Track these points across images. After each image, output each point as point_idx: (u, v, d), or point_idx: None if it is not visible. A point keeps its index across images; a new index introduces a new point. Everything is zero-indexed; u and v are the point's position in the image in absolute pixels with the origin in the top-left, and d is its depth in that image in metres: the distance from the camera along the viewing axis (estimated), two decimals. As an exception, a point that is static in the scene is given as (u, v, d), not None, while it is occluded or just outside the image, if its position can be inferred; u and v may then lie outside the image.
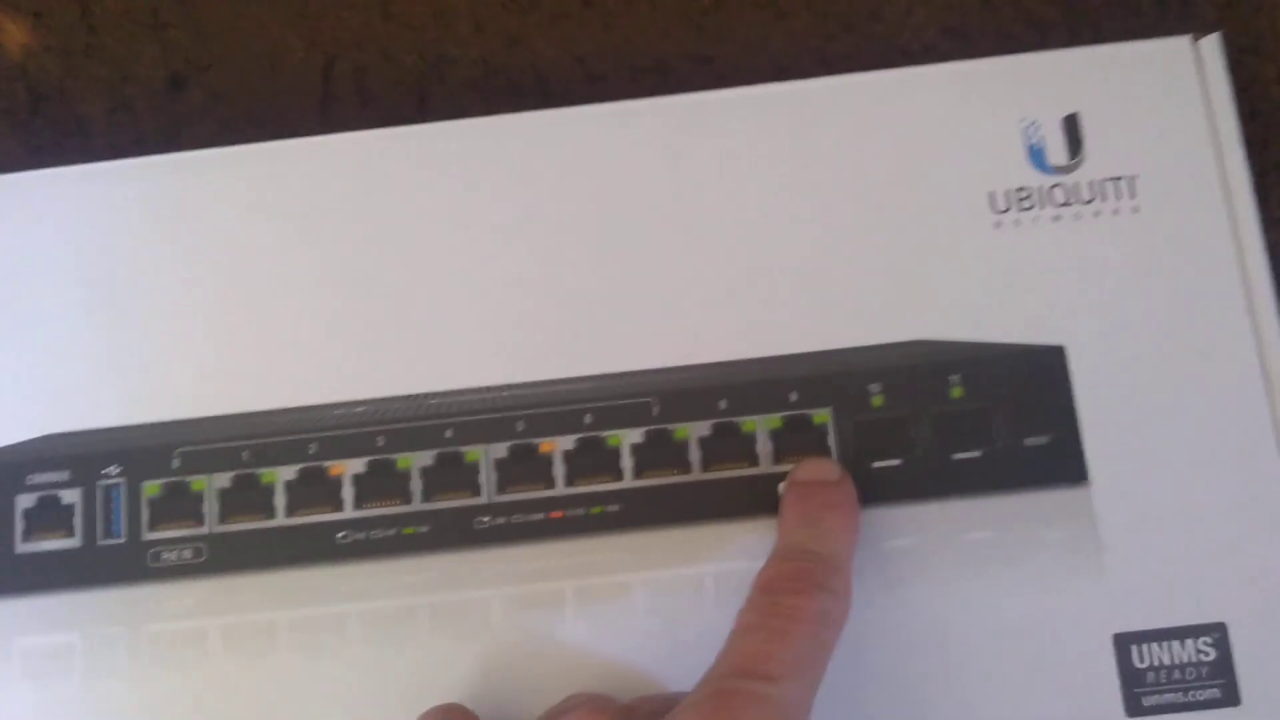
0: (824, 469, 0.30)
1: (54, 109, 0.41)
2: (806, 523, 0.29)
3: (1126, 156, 0.32)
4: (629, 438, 0.31)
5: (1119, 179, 0.32)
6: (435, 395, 0.31)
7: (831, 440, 0.31)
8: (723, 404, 0.31)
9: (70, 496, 0.31)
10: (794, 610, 0.26)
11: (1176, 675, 0.29)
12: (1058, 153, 0.32)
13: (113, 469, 0.31)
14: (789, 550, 0.28)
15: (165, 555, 0.31)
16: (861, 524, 0.30)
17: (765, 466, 0.31)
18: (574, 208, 0.32)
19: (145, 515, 0.31)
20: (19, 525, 0.31)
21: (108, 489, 0.31)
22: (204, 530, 0.31)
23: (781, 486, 0.30)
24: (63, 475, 0.31)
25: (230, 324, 0.32)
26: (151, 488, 0.31)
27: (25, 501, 0.31)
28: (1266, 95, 0.40)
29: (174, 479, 0.31)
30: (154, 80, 0.42)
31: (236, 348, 0.32)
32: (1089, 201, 0.32)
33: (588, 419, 0.31)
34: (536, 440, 0.31)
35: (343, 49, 0.41)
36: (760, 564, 0.30)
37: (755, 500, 0.30)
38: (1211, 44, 0.32)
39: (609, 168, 0.33)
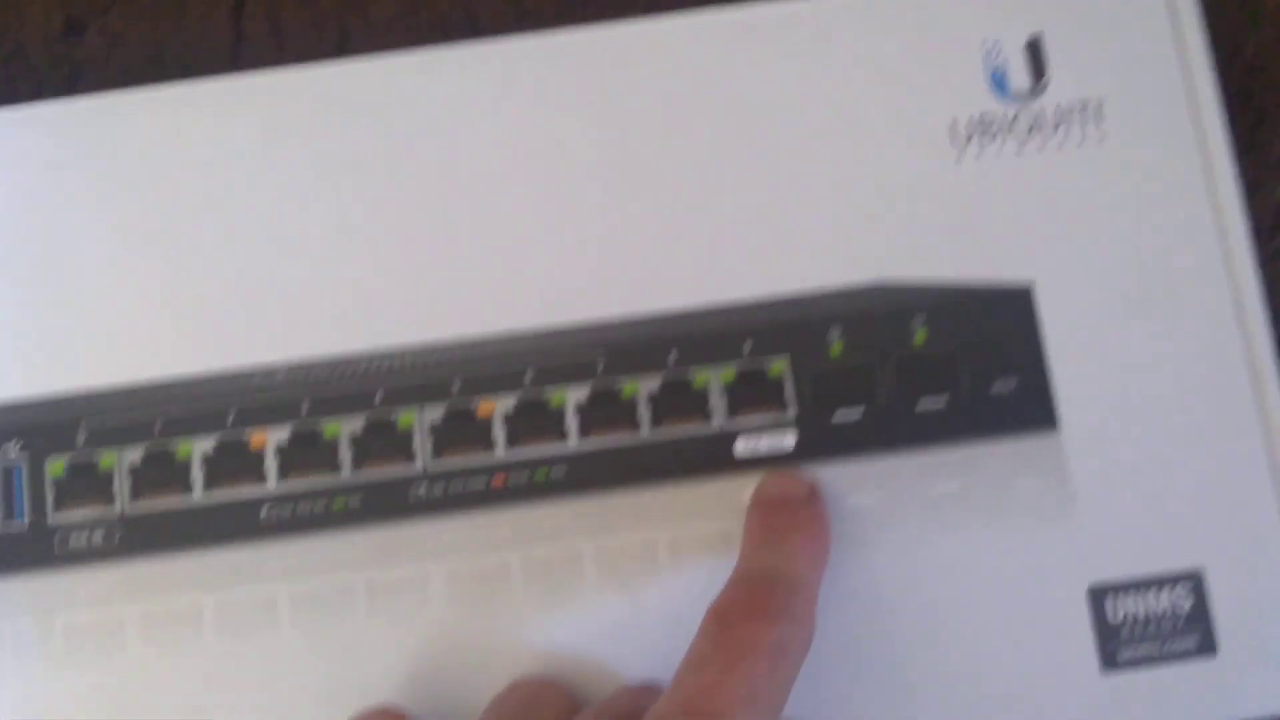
0: (790, 485, 0.28)
1: (-60, 57, 0.38)
2: (769, 545, 0.27)
3: (1092, 81, 0.30)
4: (573, 396, 0.29)
5: (1085, 106, 0.30)
6: (363, 356, 0.29)
7: (789, 392, 0.29)
8: (672, 357, 0.29)
9: (-35, 478, 0.28)
10: (749, 640, 0.24)
11: (1152, 627, 0.28)
12: (1020, 77, 0.30)
13: (12, 446, 0.29)
14: (748, 573, 0.26)
15: (74, 539, 0.28)
16: (830, 547, 0.28)
17: (719, 423, 0.29)
18: (506, 149, 0.30)
19: (50, 496, 0.29)
20: (-90, 512, 0.28)
21: (7, 468, 0.29)
22: (115, 510, 0.28)
23: (740, 444, 0.29)
24: (-44, 456, 0.28)
25: (138, 285, 0.30)
26: (56, 466, 0.29)
27: (-84, 485, 0.28)
28: (1230, 19, 0.38)
29: (80, 455, 0.29)
30: (49, 24, 0.39)
31: (145, 311, 0.29)
32: (1054, 130, 0.30)
33: (528, 377, 0.29)
34: (474, 401, 0.29)
35: (254, -15, 0.38)
36: (716, 525, 0.28)
37: (709, 459, 0.29)
38: (1179, -40, 0.31)
39: (543, 105, 0.30)
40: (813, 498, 0.28)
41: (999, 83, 0.30)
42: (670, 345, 0.29)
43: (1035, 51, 0.30)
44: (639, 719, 0.24)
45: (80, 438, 0.29)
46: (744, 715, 0.23)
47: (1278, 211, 0.38)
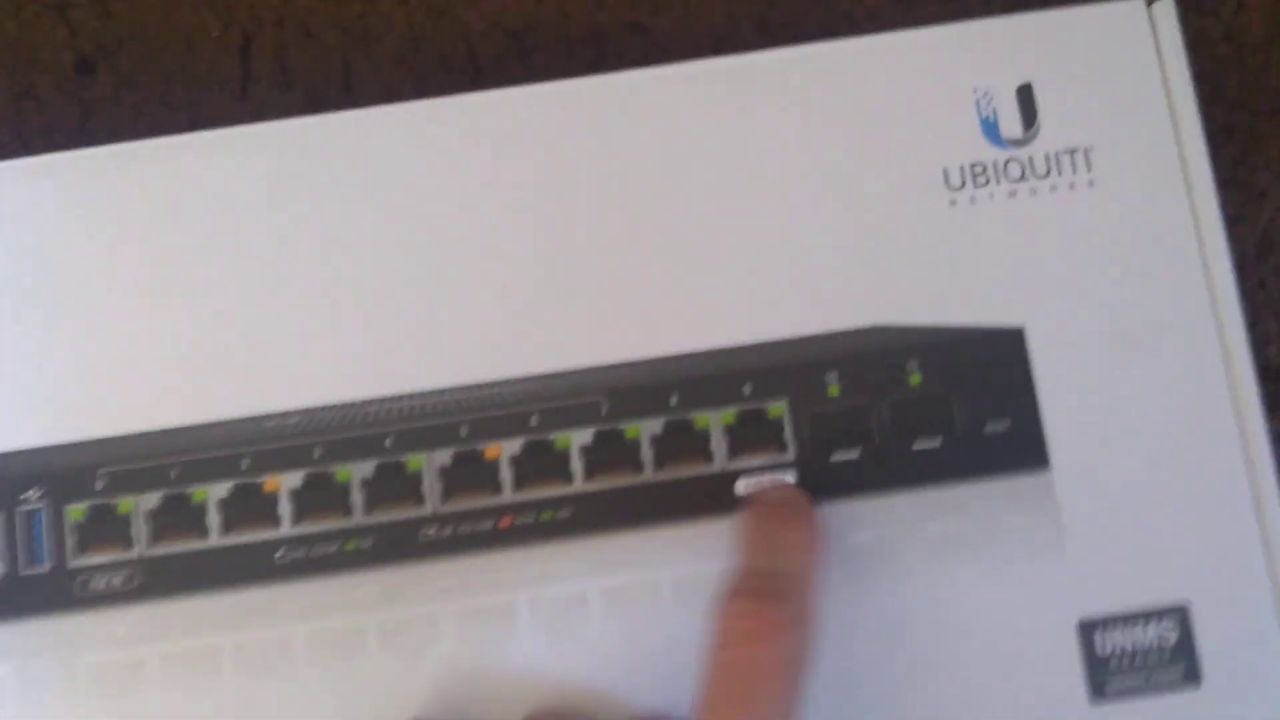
0: (781, 490, 0.29)
1: (-48, 98, 0.39)
2: (764, 539, 0.28)
3: (1081, 128, 0.31)
4: (578, 439, 0.30)
5: (1074, 151, 0.31)
6: (373, 402, 0.30)
7: (788, 433, 0.30)
8: (674, 400, 0.30)
9: (-12, 524, 0.29)
10: (756, 666, 0.25)
11: (1139, 659, 0.29)
12: (1012, 125, 0.31)
13: (32, 493, 0.29)
14: (747, 575, 0.27)
15: (94, 582, 0.29)
16: (825, 542, 0.29)
17: (720, 464, 0.30)
18: (510, 197, 0.31)
19: (70, 540, 0.29)
20: (-67, 557, 0.29)
21: (28, 514, 0.29)
22: (134, 554, 0.29)
23: (741, 484, 0.29)
24: (-22, 502, 0.29)
25: (153, 334, 0.30)
26: (75, 511, 0.29)
27: (-61, 531, 0.29)
28: (1212, 54, 0.39)
29: (99, 501, 0.29)
30: (60, 64, 0.39)
31: (160, 359, 0.30)
32: (1045, 176, 0.31)
33: (534, 421, 0.30)
34: (481, 445, 0.30)
35: (261, 26, 0.39)
36: (718, 565, 0.29)
37: (711, 499, 0.29)
38: (1166, 7, 0.31)
39: (546, 153, 0.31)
40: (804, 498, 0.29)
41: (990, 130, 0.31)
42: (672, 388, 0.30)
43: (1025, 100, 0.31)
44: None
45: (99, 484, 0.29)
46: None
47: (1261, 242, 0.39)
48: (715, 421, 0.30)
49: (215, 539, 0.29)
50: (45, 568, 0.29)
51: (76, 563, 0.29)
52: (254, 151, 0.31)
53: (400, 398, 0.30)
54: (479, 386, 0.30)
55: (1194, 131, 0.31)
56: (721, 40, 0.38)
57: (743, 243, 0.31)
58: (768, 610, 0.26)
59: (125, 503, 0.29)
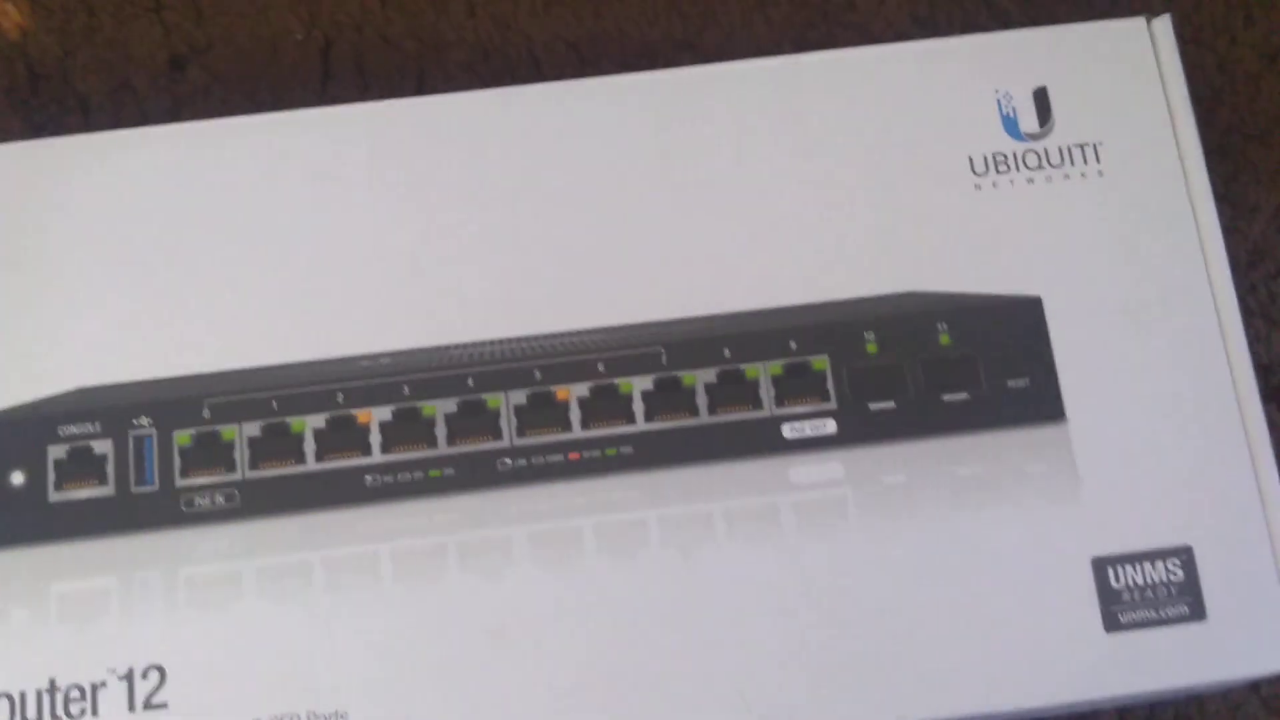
0: None
1: (54, 88, 0.42)
2: None
3: (1091, 125, 0.35)
4: (639, 384, 0.33)
5: (1085, 146, 0.35)
6: (458, 346, 0.33)
7: (830, 385, 0.33)
8: (727, 352, 0.33)
9: (102, 447, 0.32)
10: None
11: (1149, 594, 0.32)
12: (1029, 121, 0.35)
13: (143, 419, 0.32)
14: None
15: (198, 501, 0.32)
16: None
17: (768, 409, 0.33)
18: (585, 178, 0.34)
19: (177, 463, 0.32)
20: (50, 476, 0.32)
21: (139, 439, 0.32)
22: (236, 476, 0.32)
23: (786, 429, 0.32)
24: (94, 427, 0.32)
25: (258, 281, 0.33)
26: (182, 437, 0.32)
27: (56, 452, 0.32)
28: (1208, 82, 0.43)
29: (205, 428, 0.32)
30: (154, 61, 0.43)
31: (264, 304, 0.33)
32: (1059, 166, 0.34)
33: (601, 367, 0.33)
34: (553, 388, 0.33)
35: (341, 32, 0.43)
36: (766, 499, 0.32)
37: (760, 441, 0.32)
38: (1164, 24, 0.36)
39: (611, 136, 0.35)
40: None
41: (1011, 125, 0.35)
42: (725, 342, 0.33)
43: (1041, 100, 0.35)
44: None
45: (205, 413, 0.32)
46: None
47: (1253, 251, 0.42)
48: (764, 372, 0.33)
49: (311, 464, 0.32)
50: (154, 487, 0.32)
51: (183, 483, 0.32)
52: (350, 127, 0.35)
53: (482, 343, 0.33)
54: (553, 336, 0.33)
55: (1189, 130, 0.35)
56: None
57: (793, 217, 0.34)
58: None
59: (229, 430, 0.32)
